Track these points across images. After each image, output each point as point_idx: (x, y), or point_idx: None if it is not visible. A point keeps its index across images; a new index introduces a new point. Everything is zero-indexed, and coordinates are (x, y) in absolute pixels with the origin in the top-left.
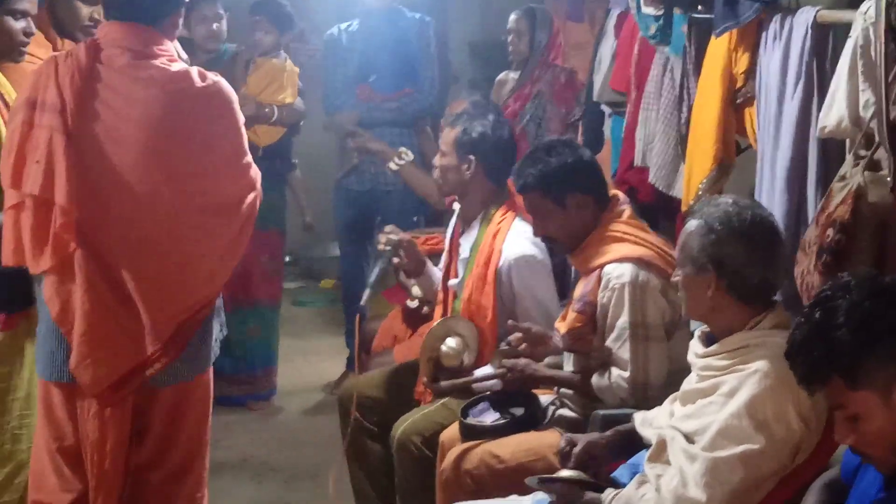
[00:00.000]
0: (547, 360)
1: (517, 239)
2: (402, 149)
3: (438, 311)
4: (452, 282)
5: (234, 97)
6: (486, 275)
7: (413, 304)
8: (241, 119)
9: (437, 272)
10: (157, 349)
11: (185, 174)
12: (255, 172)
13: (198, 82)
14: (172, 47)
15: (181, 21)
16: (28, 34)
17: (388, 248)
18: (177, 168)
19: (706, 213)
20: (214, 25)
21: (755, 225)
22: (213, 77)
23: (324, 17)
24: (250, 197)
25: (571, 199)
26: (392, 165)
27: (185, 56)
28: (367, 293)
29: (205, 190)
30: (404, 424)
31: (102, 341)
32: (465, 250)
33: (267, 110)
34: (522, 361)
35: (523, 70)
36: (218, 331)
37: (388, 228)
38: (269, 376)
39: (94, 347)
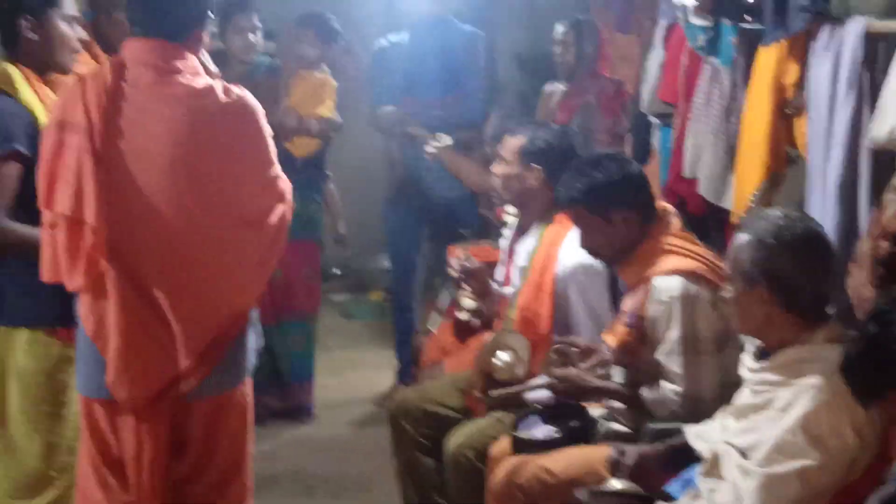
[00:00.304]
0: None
1: (575, 247)
2: (439, 133)
3: (497, 323)
4: (507, 290)
5: (260, 110)
6: (543, 282)
7: (463, 316)
8: (268, 131)
9: (497, 291)
10: (190, 363)
11: (212, 188)
12: (285, 184)
13: (222, 97)
14: (198, 62)
15: (207, 35)
16: (82, 41)
17: (461, 274)
18: (203, 182)
19: (756, 227)
20: (250, 37)
21: (807, 238)
22: (238, 91)
23: (373, 30)
24: (280, 209)
25: (616, 214)
26: (429, 148)
27: (214, 69)
28: (434, 317)
29: (233, 203)
30: (457, 438)
31: (137, 357)
32: (521, 258)
33: (308, 123)
34: (573, 371)
35: (570, 81)
36: (254, 341)
37: (461, 254)
38: (311, 387)
39: (129, 363)
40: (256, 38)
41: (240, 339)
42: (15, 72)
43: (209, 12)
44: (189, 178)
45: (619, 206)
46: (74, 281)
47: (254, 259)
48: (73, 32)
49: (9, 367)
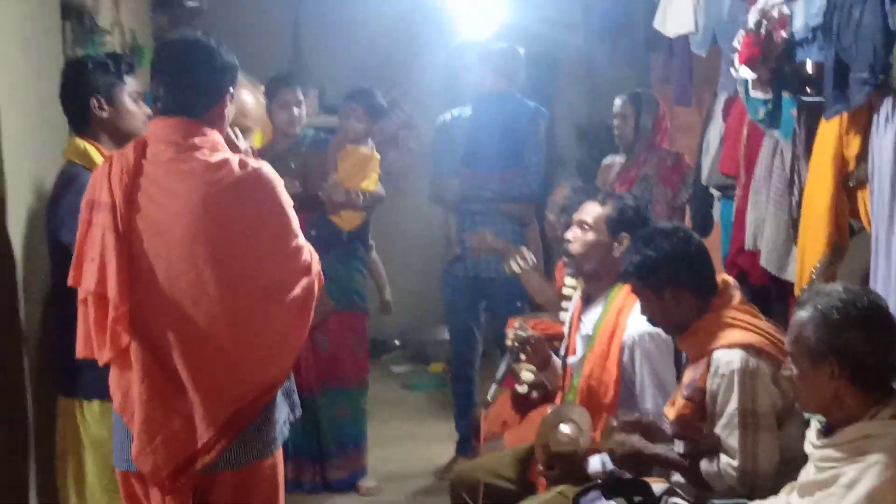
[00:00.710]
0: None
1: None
2: (524, 249)
3: (560, 396)
4: (571, 359)
5: (278, 181)
6: (610, 350)
7: (522, 389)
8: (288, 202)
9: (559, 362)
10: (211, 436)
11: (230, 261)
12: (310, 256)
13: (236, 171)
14: (218, 136)
15: (228, 110)
16: (149, 116)
17: (517, 343)
18: (220, 256)
19: (820, 303)
20: (295, 111)
21: (872, 311)
22: (254, 163)
23: (436, 104)
24: (304, 281)
25: (667, 292)
26: (514, 267)
27: (243, 145)
28: (493, 389)
29: (251, 275)
30: None
31: (159, 430)
32: (587, 327)
33: (355, 197)
34: (633, 438)
35: (629, 153)
36: (287, 413)
37: (516, 324)
38: (361, 457)
39: (152, 436)
40: (301, 111)
41: (266, 411)
42: (90, 148)
43: (230, 87)
44: (206, 252)
45: (669, 284)
46: (103, 355)
47: (278, 332)
48: (140, 108)
49: (84, 439)
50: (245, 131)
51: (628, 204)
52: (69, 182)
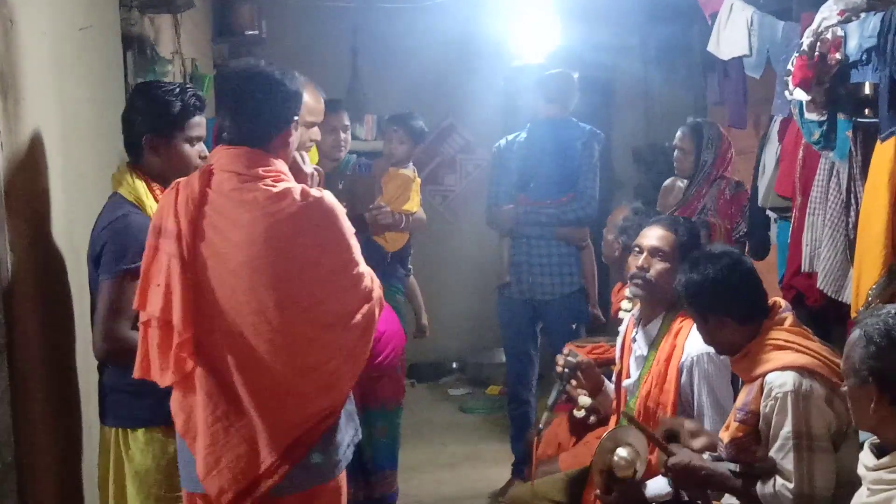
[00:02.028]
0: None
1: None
2: (582, 397)
3: (614, 419)
4: (626, 382)
5: (339, 210)
6: (668, 371)
7: (580, 413)
8: (349, 231)
9: (611, 387)
10: (274, 460)
11: (292, 290)
12: (371, 282)
13: (298, 200)
14: (283, 165)
15: (293, 139)
16: (202, 157)
17: (567, 370)
18: (283, 285)
19: (868, 324)
20: (342, 135)
21: None
22: (316, 193)
23: (492, 129)
24: (365, 308)
25: (711, 317)
26: (576, 413)
27: (309, 169)
28: (545, 416)
29: (313, 304)
30: None
31: (223, 454)
32: (641, 347)
33: (398, 218)
34: (687, 456)
35: (689, 185)
36: (352, 436)
37: (566, 350)
38: (395, 477)
39: (217, 459)
40: (346, 136)
41: (329, 435)
42: (140, 184)
43: (294, 116)
44: (267, 281)
45: (713, 310)
46: (166, 378)
47: (338, 358)
48: (195, 150)
49: (127, 467)
50: (309, 127)
51: (695, 229)
52: (124, 225)
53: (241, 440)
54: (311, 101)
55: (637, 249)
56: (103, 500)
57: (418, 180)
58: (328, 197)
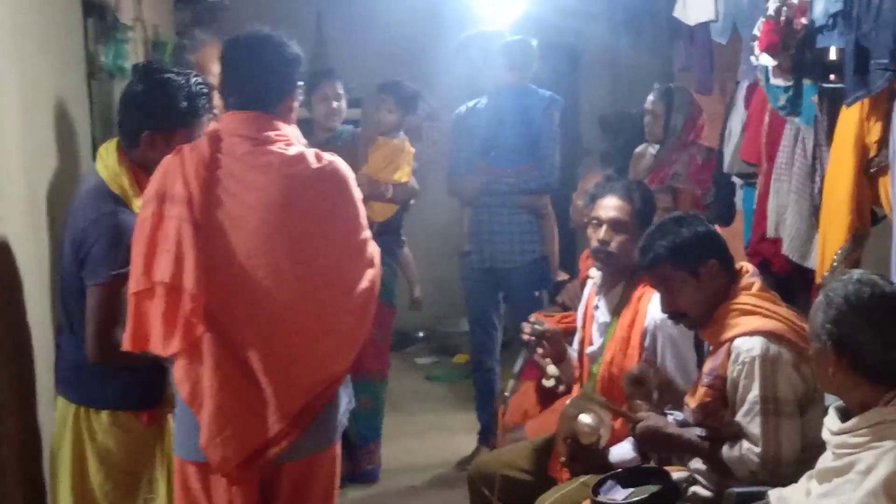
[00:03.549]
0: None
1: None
2: (551, 367)
3: (577, 388)
4: (590, 349)
5: (351, 175)
6: (631, 336)
7: (549, 383)
8: (359, 196)
9: (575, 356)
10: (282, 428)
11: (306, 253)
12: (374, 249)
13: (313, 163)
14: (290, 130)
15: (298, 104)
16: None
17: (533, 338)
18: (297, 248)
19: (830, 289)
20: (335, 104)
21: (875, 303)
22: (329, 157)
23: (458, 95)
24: (370, 273)
25: (704, 267)
26: (545, 382)
27: (303, 141)
28: (511, 384)
29: (327, 268)
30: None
31: (230, 421)
32: (603, 314)
33: (382, 188)
34: (654, 421)
35: (659, 150)
36: (346, 403)
37: (532, 318)
38: (379, 449)
39: (223, 427)
40: (340, 105)
41: (332, 402)
42: (125, 174)
43: (298, 81)
44: (283, 244)
45: (706, 258)
46: (171, 346)
47: (347, 324)
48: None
49: (89, 446)
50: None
51: (649, 194)
52: (112, 225)
53: (248, 408)
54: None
55: (596, 221)
56: (53, 468)
57: (412, 150)
58: (340, 162)
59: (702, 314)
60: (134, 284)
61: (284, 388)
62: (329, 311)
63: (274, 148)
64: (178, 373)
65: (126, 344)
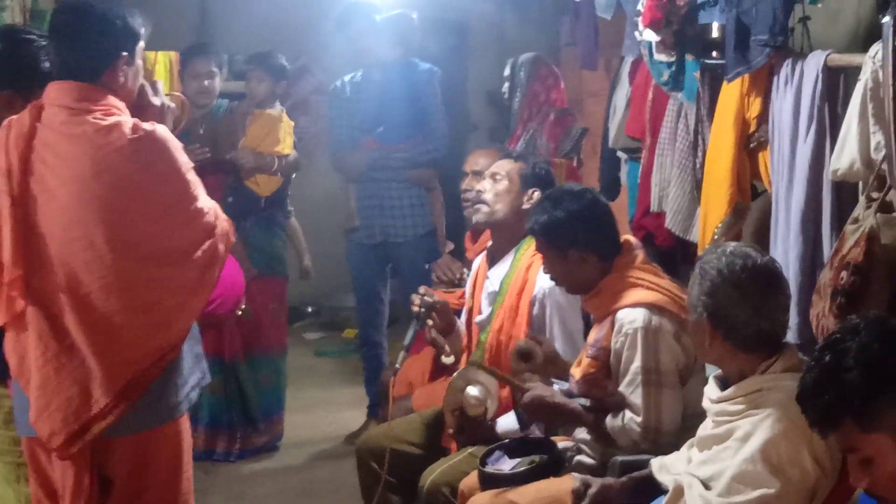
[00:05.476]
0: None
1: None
2: (447, 349)
3: (465, 357)
4: (479, 318)
5: (173, 143)
6: (519, 305)
7: (449, 360)
8: (185, 164)
9: (463, 328)
10: (108, 401)
11: (122, 225)
12: (214, 218)
13: (128, 133)
14: (116, 100)
15: (124, 75)
16: None
17: (423, 309)
18: (112, 220)
19: (704, 261)
20: (206, 82)
21: (746, 274)
22: (147, 126)
23: (346, 69)
24: (207, 244)
25: (573, 252)
26: (445, 360)
27: (158, 101)
28: (401, 356)
29: (145, 239)
30: (433, 475)
31: (54, 395)
32: (493, 283)
33: (268, 160)
34: (540, 391)
35: (510, 115)
36: (199, 378)
37: (422, 290)
38: (281, 422)
39: (48, 401)
40: (213, 83)
41: (167, 375)
42: None
43: (125, 51)
44: (97, 216)
45: (573, 245)
46: None
47: (177, 295)
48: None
49: None
50: None
51: (540, 162)
52: None
53: (72, 381)
54: None
55: (477, 173)
56: None
57: (289, 122)
58: (161, 130)
59: (574, 288)
60: None
61: (108, 361)
62: (151, 284)
63: (89, 118)
64: (7, 345)
65: None
